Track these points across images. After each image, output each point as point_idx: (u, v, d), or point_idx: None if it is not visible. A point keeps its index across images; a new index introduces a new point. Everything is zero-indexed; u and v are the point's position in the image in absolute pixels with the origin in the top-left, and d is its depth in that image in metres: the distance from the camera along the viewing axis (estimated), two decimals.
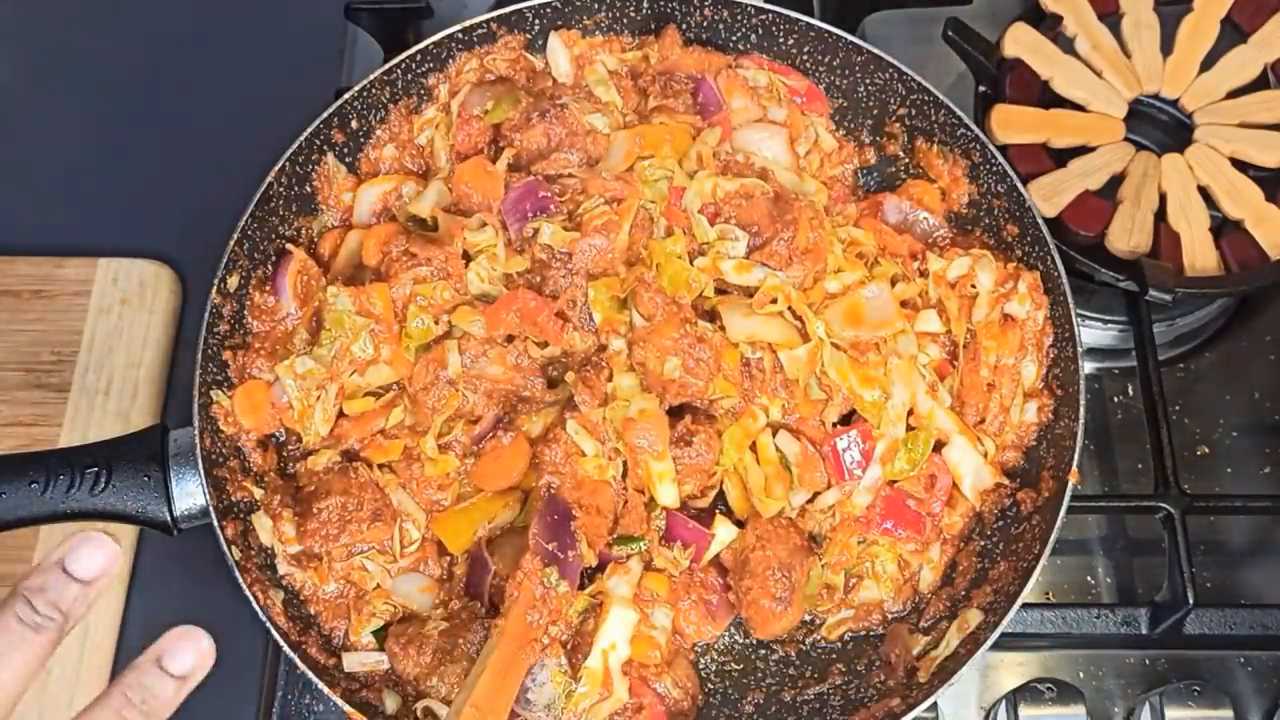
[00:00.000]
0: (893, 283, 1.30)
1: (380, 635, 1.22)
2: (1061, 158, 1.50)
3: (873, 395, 1.25)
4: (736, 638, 1.30)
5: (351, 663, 1.21)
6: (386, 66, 1.40)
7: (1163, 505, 1.32)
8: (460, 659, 1.15)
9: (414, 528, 1.25)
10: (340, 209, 1.42)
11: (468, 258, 1.29)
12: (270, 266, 1.35)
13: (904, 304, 1.31)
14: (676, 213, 1.31)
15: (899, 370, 1.27)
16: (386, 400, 1.28)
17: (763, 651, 1.30)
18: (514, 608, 1.13)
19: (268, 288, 1.34)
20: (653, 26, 1.48)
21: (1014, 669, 1.34)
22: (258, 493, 1.26)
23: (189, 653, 0.71)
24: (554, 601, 1.14)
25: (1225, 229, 1.47)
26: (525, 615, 1.13)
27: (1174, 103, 1.56)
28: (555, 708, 1.15)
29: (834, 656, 1.29)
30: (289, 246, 1.34)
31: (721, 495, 1.29)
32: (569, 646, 1.18)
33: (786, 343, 1.25)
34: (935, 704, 1.23)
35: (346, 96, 1.38)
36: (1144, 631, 1.31)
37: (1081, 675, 1.33)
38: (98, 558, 0.71)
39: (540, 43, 1.47)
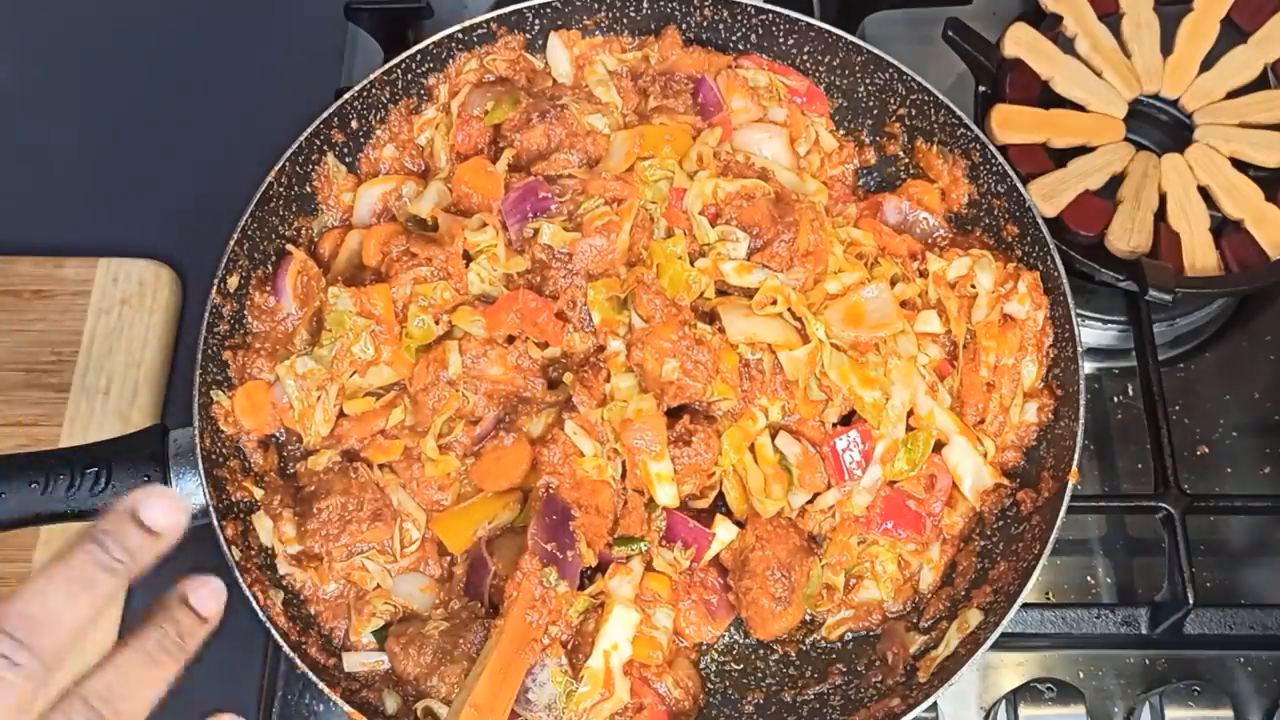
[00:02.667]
0: (892, 283, 1.30)
1: (381, 635, 1.22)
2: (1061, 158, 1.50)
3: (873, 396, 1.25)
4: (736, 638, 1.30)
5: (352, 663, 1.21)
6: (386, 66, 1.40)
7: (1163, 505, 1.32)
8: (460, 659, 1.15)
9: (414, 528, 1.25)
10: (340, 209, 1.42)
11: (468, 258, 1.29)
12: (270, 266, 1.35)
13: (904, 304, 1.31)
14: (677, 214, 1.31)
15: (899, 371, 1.27)
16: (387, 400, 1.28)
17: (762, 651, 1.30)
18: (513, 608, 1.13)
19: (268, 288, 1.34)
20: (653, 26, 1.48)
21: (1014, 669, 1.34)
22: (258, 493, 1.26)
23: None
24: (553, 602, 1.14)
25: (1225, 229, 1.47)
26: (525, 616, 1.13)
27: (1174, 103, 1.56)
28: (556, 708, 1.15)
29: (834, 656, 1.29)
30: (289, 247, 1.34)
31: (721, 496, 1.29)
32: (569, 646, 1.18)
33: (786, 344, 1.25)
34: (935, 704, 1.23)
35: (346, 96, 1.38)
36: (1144, 631, 1.31)
37: (1081, 675, 1.33)
38: (167, 511, 0.76)
39: (540, 43, 1.47)
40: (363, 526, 1.21)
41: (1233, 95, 1.55)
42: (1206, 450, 1.47)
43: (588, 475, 1.21)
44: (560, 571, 1.14)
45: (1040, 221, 1.32)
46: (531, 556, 1.14)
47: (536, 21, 1.46)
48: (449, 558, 1.26)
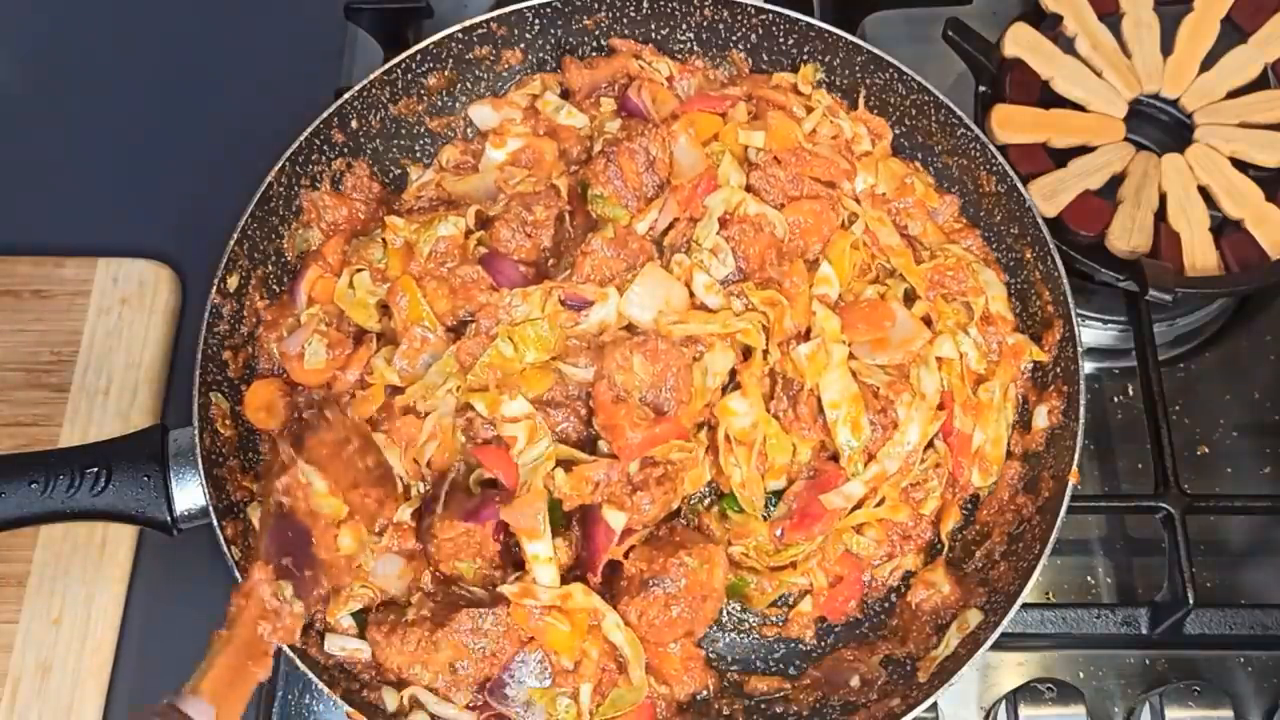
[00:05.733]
0: (908, 300, 1.31)
1: (360, 620, 1.21)
2: (1061, 158, 1.50)
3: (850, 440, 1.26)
4: (737, 638, 1.30)
5: (333, 646, 1.19)
6: (386, 66, 1.40)
7: (1163, 505, 1.32)
8: (444, 647, 1.13)
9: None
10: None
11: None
12: (270, 266, 1.35)
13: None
14: (697, 203, 1.29)
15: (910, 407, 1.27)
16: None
17: (763, 651, 1.30)
18: (242, 616, 1.01)
19: (283, 291, 1.36)
20: (652, 26, 1.48)
21: (1014, 669, 1.34)
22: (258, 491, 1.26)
23: None
24: (286, 618, 1.02)
25: (1225, 229, 1.47)
26: (256, 626, 1.01)
27: (1174, 103, 1.56)
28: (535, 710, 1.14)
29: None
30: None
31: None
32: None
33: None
34: (935, 704, 1.23)
35: (346, 96, 1.38)
36: (1144, 631, 1.31)
37: (1081, 675, 1.33)
38: None
39: (541, 42, 1.47)
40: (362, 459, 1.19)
41: (1233, 95, 1.55)
42: (1206, 450, 1.47)
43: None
44: (296, 590, 1.03)
45: (1040, 221, 1.32)
46: (265, 564, 1.03)
47: (536, 21, 1.46)
48: None
